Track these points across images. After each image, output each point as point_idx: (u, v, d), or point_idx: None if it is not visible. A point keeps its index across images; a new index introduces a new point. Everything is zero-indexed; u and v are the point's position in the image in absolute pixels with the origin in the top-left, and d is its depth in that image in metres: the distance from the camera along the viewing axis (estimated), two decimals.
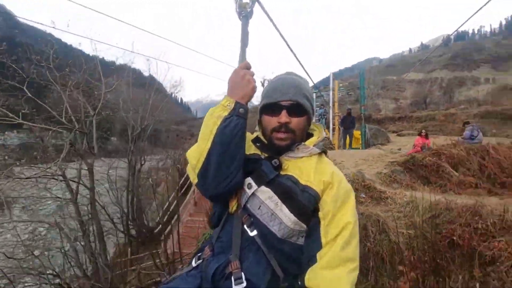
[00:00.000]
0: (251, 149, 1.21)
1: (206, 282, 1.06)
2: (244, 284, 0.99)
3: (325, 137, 1.30)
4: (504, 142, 8.98)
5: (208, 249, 1.16)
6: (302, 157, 1.14)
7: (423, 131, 10.24)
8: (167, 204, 13.58)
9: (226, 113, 1.07)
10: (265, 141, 1.20)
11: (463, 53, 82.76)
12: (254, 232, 1.07)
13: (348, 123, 14.12)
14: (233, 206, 1.13)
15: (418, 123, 25.78)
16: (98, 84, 11.64)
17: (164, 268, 4.52)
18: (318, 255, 0.99)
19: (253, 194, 1.10)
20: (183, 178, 14.32)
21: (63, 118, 9.72)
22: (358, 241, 1.04)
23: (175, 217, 11.59)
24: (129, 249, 10.37)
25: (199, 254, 1.19)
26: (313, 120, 1.27)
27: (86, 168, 9.87)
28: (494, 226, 3.15)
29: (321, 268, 0.97)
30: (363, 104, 16.27)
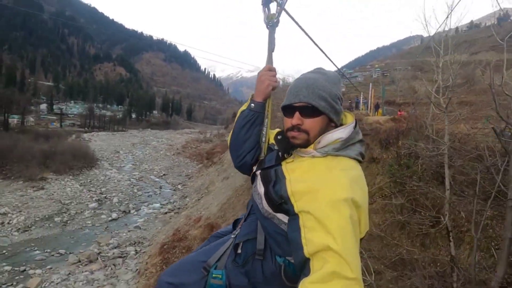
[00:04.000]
0: (271, 139, 1.39)
1: None
2: (234, 236, 1.34)
3: (345, 138, 1.14)
4: None
5: None
6: (303, 156, 1.15)
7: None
8: None
9: (244, 108, 1.41)
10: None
11: None
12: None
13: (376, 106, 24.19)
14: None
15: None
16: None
17: None
18: (311, 266, 0.93)
19: (254, 174, 1.31)
20: None
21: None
22: (356, 258, 0.92)
23: None
24: None
25: None
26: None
27: None
28: None
29: (310, 282, 0.91)
30: (383, 97, 27.00)
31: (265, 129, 1.38)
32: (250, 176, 1.38)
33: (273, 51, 1.45)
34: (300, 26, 1.87)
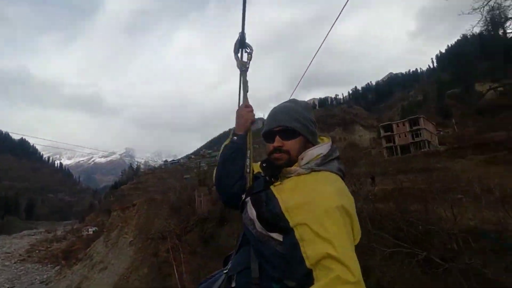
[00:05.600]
0: (257, 168, 1.44)
1: None
2: (226, 270, 1.32)
3: (324, 154, 1.26)
4: None
5: None
6: (289, 177, 1.23)
7: None
8: None
9: (227, 142, 1.50)
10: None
11: (323, 117, 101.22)
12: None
13: None
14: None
15: None
16: None
17: None
18: (314, 276, 0.98)
19: (244, 202, 1.33)
20: None
21: None
22: (355, 261, 0.97)
23: None
24: None
25: None
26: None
27: None
28: None
29: None
30: None
31: (248, 160, 1.44)
32: (239, 209, 1.37)
33: (247, 91, 1.59)
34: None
